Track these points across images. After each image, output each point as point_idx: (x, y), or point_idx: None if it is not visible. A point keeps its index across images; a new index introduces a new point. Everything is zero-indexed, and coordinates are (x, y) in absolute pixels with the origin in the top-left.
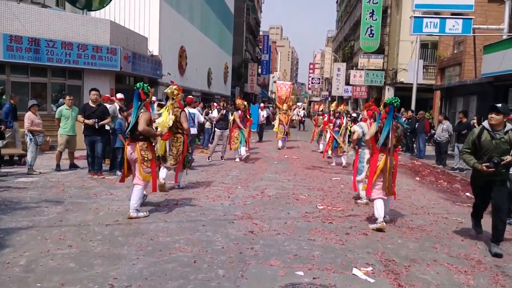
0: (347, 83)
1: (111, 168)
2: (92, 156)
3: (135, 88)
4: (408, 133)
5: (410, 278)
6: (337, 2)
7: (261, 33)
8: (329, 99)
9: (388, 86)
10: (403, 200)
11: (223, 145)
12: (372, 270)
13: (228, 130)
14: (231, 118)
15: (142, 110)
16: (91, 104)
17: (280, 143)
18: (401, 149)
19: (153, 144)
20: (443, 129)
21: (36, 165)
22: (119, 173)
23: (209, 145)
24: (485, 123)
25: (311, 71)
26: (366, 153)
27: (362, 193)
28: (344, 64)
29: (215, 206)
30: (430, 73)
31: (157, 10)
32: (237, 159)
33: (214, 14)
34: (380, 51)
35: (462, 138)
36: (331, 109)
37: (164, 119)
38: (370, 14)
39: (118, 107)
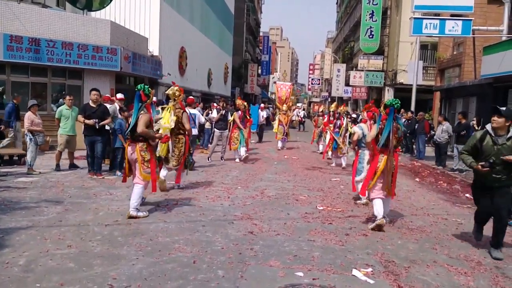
0: (347, 84)
1: (111, 168)
2: (92, 156)
3: (136, 89)
4: (407, 134)
5: (410, 279)
6: (337, 3)
7: (261, 33)
8: (329, 100)
9: (387, 87)
10: (402, 201)
11: (222, 145)
12: (371, 271)
13: (227, 130)
14: (230, 118)
15: (142, 112)
16: (91, 104)
17: (280, 144)
18: (400, 150)
19: (153, 145)
20: (442, 130)
21: (36, 165)
22: (118, 173)
23: (209, 145)
24: (488, 127)
25: (311, 72)
26: (366, 154)
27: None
28: (344, 65)
29: (215, 206)
30: (430, 74)
31: (158, 10)
32: (237, 160)
33: (214, 15)
34: (380, 52)
35: (461, 139)
36: (331, 109)
37: (166, 120)
38: (370, 15)
39: (118, 107)
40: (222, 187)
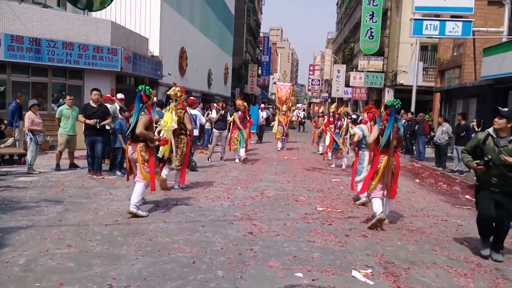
0: (347, 84)
1: (111, 168)
2: (92, 156)
3: (137, 90)
4: (408, 135)
5: (409, 281)
6: (337, 4)
7: (261, 34)
8: (329, 100)
9: (388, 88)
10: (402, 202)
11: (221, 145)
12: (371, 272)
13: (226, 130)
14: (230, 119)
15: (142, 113)
16: (92, 104)
17: (279, 144)
18: (400, 151)
19: (152, 146)
20: (442, 131)
21: (36, 165)
22: (118, 173)
23: (209, 145)
24: (491, 129)
25: (311, 72)
26: (366, 155)
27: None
28: (344, 66)
29: (215, 206)
30: (430, 75)
31: (158, 11)
32: (237, 160)
33: (214, 15)
34: (380, 53)
35: (461, 141)
36: (331, 110)
37: (168, 121)
38: (370, 16)
39: (118, 107)
40: (222, 187)
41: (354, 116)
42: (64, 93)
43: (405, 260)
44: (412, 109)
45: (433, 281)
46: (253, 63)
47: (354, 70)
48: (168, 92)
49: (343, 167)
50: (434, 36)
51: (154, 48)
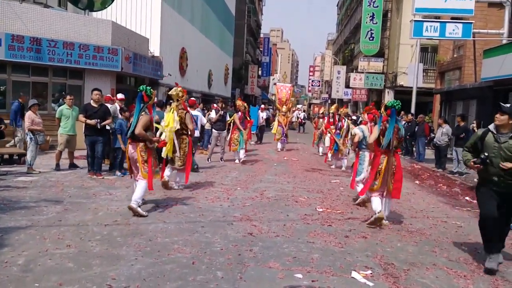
0: (347, 86)
1: (111, 169)
2: (92, 156)
3: (138, 90)
4: (408, 137)
5: (409, 282)
6: (337, 5)
7: (261, 35)
8: (329, 101)
9: (388, 89)
10: (402, 203)
11: (221, 146)
12: (371, 273)
13: (225, 131)
14: (229, 119)
15: (143, 113)
16: (93, 104)
17: (279, 145)
18: (400, 151)
19: (151, 146)
20: (442, 133)
21: (36, 165)
22: (118, 173)
23: (209, 146)
24: (491, 126)
25: (311, 73)
26: (366, 156)
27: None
28: (344, 67)
29: (214, 207)
30: (430, 76)
31: (159, 11)
32: (236, 161)
33: (215, 16)
34: (380, 54)
35: (460, 142)
36: (331, 111)
37: (170, 121)
38: (371, 18)
39: (118, 108)
40: (222, 188)
41: (354, 117)
42: (64, 93)
43: (404, 262)
44: (412, 110)
45: (432, 282)
46: (253, 64)
47: (354, 71)
48: (170, 92)
49: (343, 168)
50: (434, 38)
51: (154, 49)
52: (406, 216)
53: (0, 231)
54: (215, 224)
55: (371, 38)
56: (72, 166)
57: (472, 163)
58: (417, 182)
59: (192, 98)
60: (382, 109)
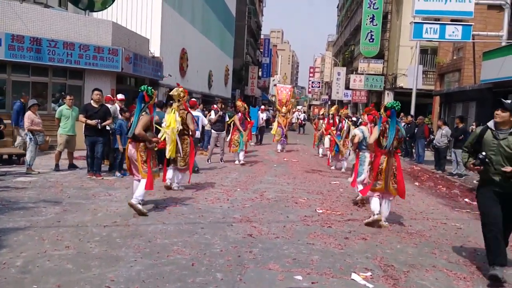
0: (347, 87)
1: (110, 169)
2: (91, 157)
3: (139, 90)
4: (407, 138)
5: (409, 284)
6: (337, 7)
7: (262, 36)
8: (329, 103)
9: (387, 91)
10: (402, 205)
11: (220, 147)
12: (371, 275)
13: (224, 132)
14: (228, 120)
15: (143, 113)
16: (93, 104)
17: (279, 147)
18: (400, 152)
19: (150, 146)
20: (442, 135)
21: (35, 165)
22: (118, 174)
23: (209, 147)
24: (490, 123)
25: (311, 74)
26: (366, 156)
27: (357, 190)
28: (344, 68)
29: (214, 208)
30: (430, 78)
31: (159, 11)
32: (236, 162)
33: (215, 17)
34: (380, 56)
35: (459, 144)
36: (331, 112)
37: (171, 122)
38: (371, 19)
39: (118, 108)
40: (222, 189)
41: (354, 119)
42: (64, 93)
43: (404, 263)
44: (412, 112)
45: (432, 284)
46: (253, 65)
47: (354, 72)
48: (171, 93)
49: (343, 169)
50: (434, 40)
51: (154, 49)
52: (405, 217)
53: None
54: (215, 226)
55: (371, 40)
56: (72, 166)
57: (471, 165)
58: (416, 183)
59: (193, 99)
60: (382, 110)
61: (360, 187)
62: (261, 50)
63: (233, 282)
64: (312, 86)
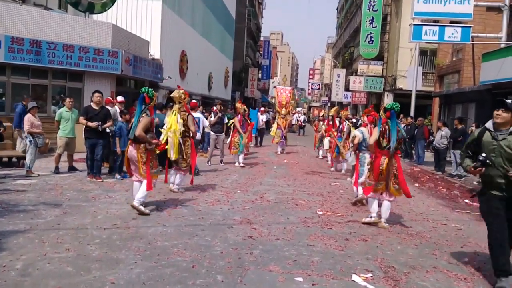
0: (347, 89)
1: (110, 171)
2: (91, 159)
3: (140, 92)
4: (407, 140)
5: (409, 285)
6: (337, 9)
7: (261, 38)
8: (329, 104)
9: (387, 93)
10: (402, 206)
11: (219, 149)
12: (371, 276)
13: (223, 134)
14: (229, 122)
15: (144, 115)
16: (93, 106)
17: (279, 148)
18: (400, 153)
19: (150, 148)
20: (442, 136)
21: (35, 168)
22: (118, 176)
23: (208, 149)
24: (488, 124)
25: (311, 76)
26: (366, 157)
27: (355, 191)
28: (344, 70)
29: (214, 210)
30: (429, 80)
31: (159, 14)
32: (236, 164)
33: (215, 19)
34: (379, 57)
35: (458, 145)
36: (330, 114)
37: (172, 124)
38: (370, 21)
39: (118, 110)
40: (222, 191)
41: (353, 120)
42: (63, 95)
43: (405, 264)
44: (412, 113)
45: (433, 285)
46: (253, 66)
47: (353, 74)
48: (172, 95)
49: (343, 171)
50: (433, 41)
51: (154, 51)
52: (406, 218)
53: None
54: (215, 227)
55: (370, 42)
56: (72, 169)
57: (471, 168)
58: (416, 184)
59: (194, 101)
60: (381, 111)
61: (360, 189)
62: (260, 52)
63: (233, 284)
64: (311, 88)
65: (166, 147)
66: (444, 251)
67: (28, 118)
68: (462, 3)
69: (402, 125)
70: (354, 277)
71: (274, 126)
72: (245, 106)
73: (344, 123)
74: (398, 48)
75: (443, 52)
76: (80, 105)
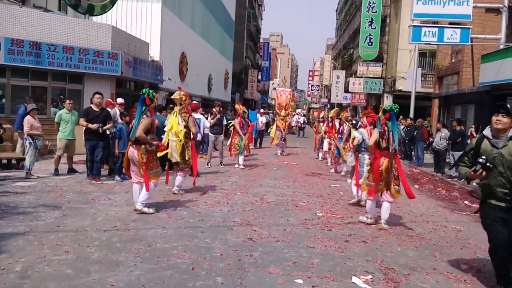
0: (346, 90)
1: (110, 173)
2: (91, 161)
3: (141, 93)
4: (406, 141)
5: (409, 287)
6: (336, 11)
7: (261, 40)
8: (328, 106)
9: (386, 94)
10: (402, 207)
11: (219, 150)
12: (371, 278)
13: (222, 135)
14: (229, 124)
15: (144, 116)
16: (94, 108)
17: (279, 150)
18: (400, 154)
19: (150, 149)
20: (441, 137)
21: (35, 170)
22: (118, 178)
23: (208, 150)
24: (486, 131)
25: (310, 78)
26: (365, 158)
27: (355, 192)
28: (343, 71)
29: (214, 212)
30: (428, 81)
31: (159, 16)
32: (236, 165)
33: (215, 21)
34: (379, 59)
35: (457, 146)
36: (330, 116)
37: (173, 125)
38: (369, 23)
39: (118, 112)
40: (221, 192)
41: (353, 122)
42: (62, 96)
43: (405, 266)
44: (411, 115)
45: (433, 287)
46: (253, 68)
47: (353, 76)
48: (173, 96)
49: (343, 173)
50: (432, 43)
51: (154, 53)
52: (405, 220)
53: None
54: (215, 229)
55: (370, 43)
56: (71, 171)
57: (472, 173)
58: (416, 186)
59: (195, 102)
60: (381, 113)
61: (360, 191)
62: (260, 53)
63: (233, 286)
64: (311, 89)
65: (167, 150)
66: (444, 252)
67: (27, 120)
68: (461, 4)
69: (402, 127)
70: (354, 279)
71: (274, 127)
72: (244, 108)
73: (345, 124)
74: (397, 49)
75: (442, 54)
76: (80, 107)
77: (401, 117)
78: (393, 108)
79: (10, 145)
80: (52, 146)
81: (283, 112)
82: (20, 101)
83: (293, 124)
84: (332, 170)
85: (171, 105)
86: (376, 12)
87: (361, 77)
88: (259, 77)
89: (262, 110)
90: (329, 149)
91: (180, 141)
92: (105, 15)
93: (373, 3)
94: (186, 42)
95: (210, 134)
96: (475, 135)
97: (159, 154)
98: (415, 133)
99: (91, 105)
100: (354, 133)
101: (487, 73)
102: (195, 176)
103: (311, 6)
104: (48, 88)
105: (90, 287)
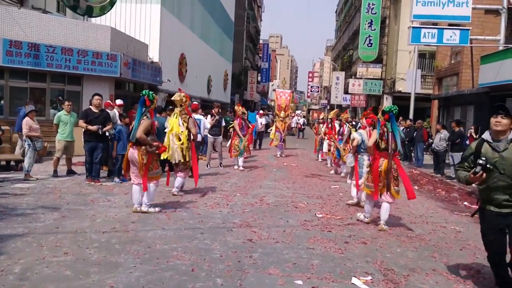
0: (346, 91)
1: (109, 175)
2: (90, 162)
3: (141, 95)
4: (406, 142)
5: None
6: (336, 12)
7: (261, 41)
8: (328, 107)
9: (386, 95)
10: (401, 209)
11: (218, 152)
12: (371, 279)
13: (221, 136)
14: (229, 126)
15: (144, 117)
16: (93, 109)
17: (278, 151)
18: (399, 155)
19: (151, 150)
20: (441, 138)
21: (33, 171)
22: (117, 179)
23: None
24: (485, 135)
25: (310, 79)
26: (365, 159)
27: (354, 194)
28: (343, 73)
29: (214, 213)
30: (428, 82)
31: (158, 17)
32: (236, 167)
33: (214, 22)
34: (378, 60)
35: (456, 147)
36: (329, 117)
37: (174, 126)
38: (369, 24)
39: (117, 113)
40: (221, 194)
41: (353, 123)
42: (60, 97)
43: (404, 267)
44: (411, 116)
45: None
46: (252, 69)
47: (353, 77)
48: (173, 98)
49: (342, 174)
50: (432, 44)
51: (153, 54)
52: (405, 221)
53: None
54: (215, 231)
55: (369, 45)
56: (70, 172)
57: (471, 175)
58: (415, 187)
59: (195, 103)
60: (380, 114)
61: (354, 190)
62: (260, 55)
63: (233, 287)
64: (311, 91)
65: (168, 153)
66: (444, 253)
67: (26, 121)
68: (460, 6)
69: (401, 128)
70: (354, 280)
71: (273, 129)
72: (244, 109)
73: (345, 126)
74: (397, 50)
75: (441, 55)
76: (79, 109)
77: (400, 118)
78: (392, 109)
79: (9, 146)
80: (51, 148)
81: (282, 114)
82: (18, 103)
83: (293, 125)
84: (332, 172)
85: (170, 107)
86: (375, 13)
87: (361, 78)
88: (259, 78)
89: (261, 112)
90: (329, 150)
91: (182, 144)
92: (104, 16)
93: (373, 4)
94: (186, 44)
95: (208, 135)
96: (474, 136)
97: (163, 156)
98: (414, 134)
99: (90, 106)
100: (354, 134)
101: (486, 74)
102: (196, 177)
103: (310, 7)
104: (47, 89)
105: None
